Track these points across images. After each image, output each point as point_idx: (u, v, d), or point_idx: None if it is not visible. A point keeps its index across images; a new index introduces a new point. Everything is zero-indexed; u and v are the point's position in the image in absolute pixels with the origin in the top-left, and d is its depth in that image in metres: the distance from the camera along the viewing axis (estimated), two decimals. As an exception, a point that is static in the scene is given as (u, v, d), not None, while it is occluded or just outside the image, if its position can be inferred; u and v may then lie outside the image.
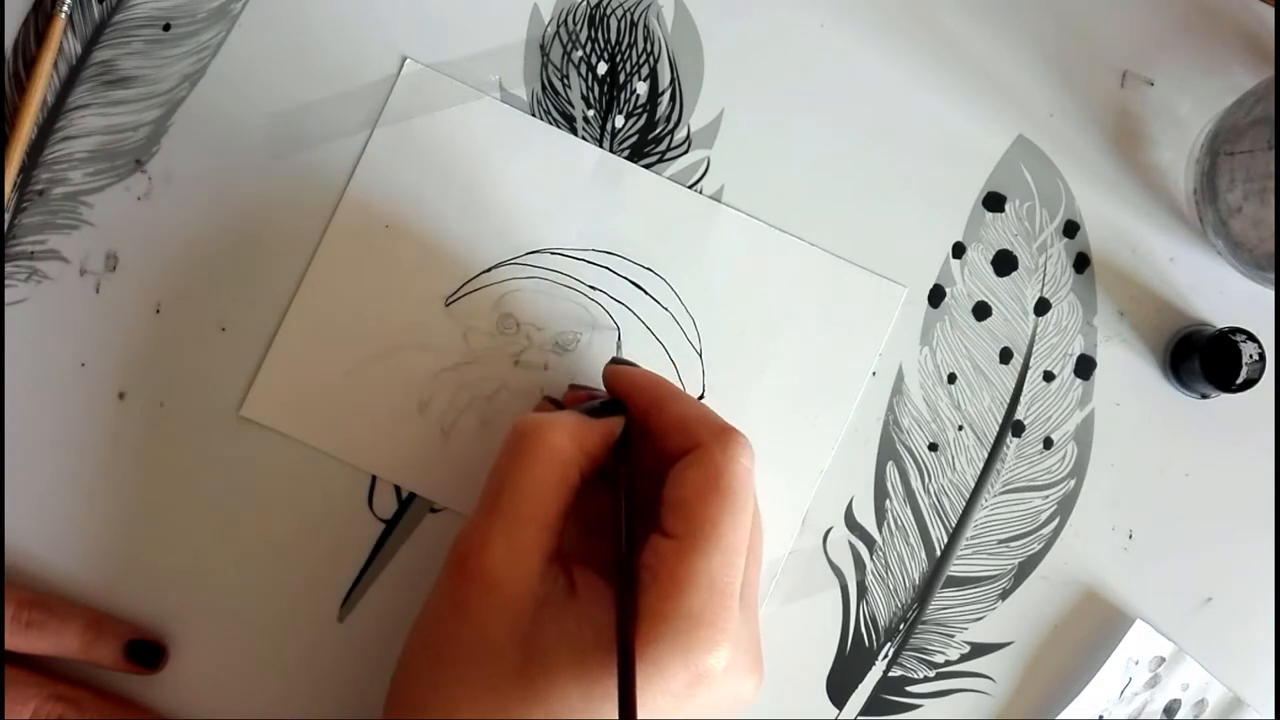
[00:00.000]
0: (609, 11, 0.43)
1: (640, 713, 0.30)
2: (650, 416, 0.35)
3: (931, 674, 0.42)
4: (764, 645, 0.41)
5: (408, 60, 0.42)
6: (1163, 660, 0.42)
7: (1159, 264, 0.43)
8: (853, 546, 0.42)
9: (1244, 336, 0.41)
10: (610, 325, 0.42)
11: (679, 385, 0.40)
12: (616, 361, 0.39)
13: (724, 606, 0.32)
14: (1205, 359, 0.41)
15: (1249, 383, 0.41)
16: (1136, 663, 0.42)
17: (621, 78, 0.43)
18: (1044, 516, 0.42)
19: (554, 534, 0.33)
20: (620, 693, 0.29)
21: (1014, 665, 0.42)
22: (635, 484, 0.35)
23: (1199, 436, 0.43)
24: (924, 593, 0.42)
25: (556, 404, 0.40)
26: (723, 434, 0.34)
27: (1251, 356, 0.41)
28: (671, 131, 0.42)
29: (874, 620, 0.42)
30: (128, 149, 0.42)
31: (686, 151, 0.42)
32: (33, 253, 0.41)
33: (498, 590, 0.32)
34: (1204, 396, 0.42)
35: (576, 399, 0.39)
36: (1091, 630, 0.42)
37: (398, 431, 0.41)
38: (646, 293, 0.42)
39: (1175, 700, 0.42)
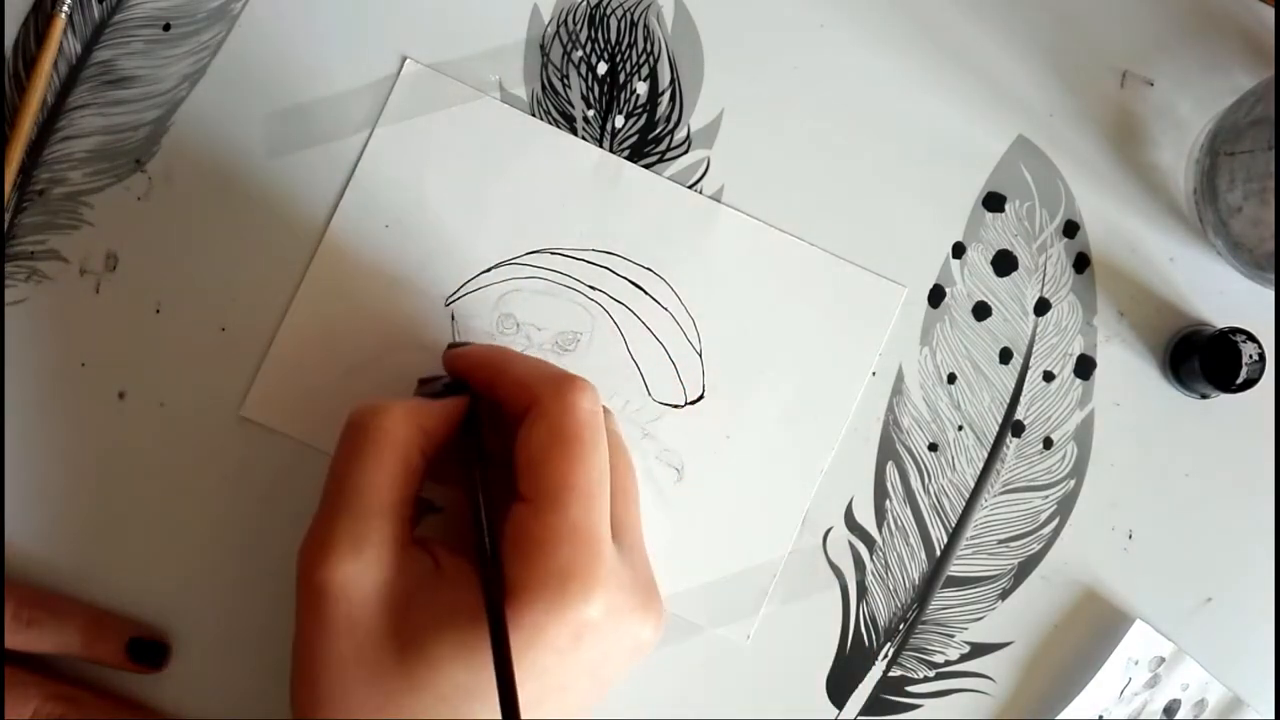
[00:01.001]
0: (609, 11, 0.43)
1: (527, 674, 0.30)
2: (494, 388, 0.35)
3: (931, 674, 0.42)
4: (763, 644, 0.41)
5: (408, 60, 0.42)
6: (1162, 660, 0.42)
7: (1159, 264, 0.43)
8: (853, 546, 0.42)
9: (1244, 336, 0.41)
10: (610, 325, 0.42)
11: (515, 350, 0.39)
12: (453, 346, 0.38)
13: (592, 554, 0.31)
14: (1205, 359, 0.41)
15: (1249, 383, 0.41)
16: (1136, 663, 0.42)
17: (621, 78, 0.43)
18: (1044, 516, 0.42)
19: (402, 521, 0.33)
20: (497, 667, 0.29)
21: (1014, 665, 0.42)
22: (487, 458, 0.34)
23: (1199, 436, 0.43)
24: (924, 593, 0.42)
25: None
26: (556, 384, 0.33)
27: (1251, 356, 0.41)
28: (671, 131, 0.42)
29: (874, 620, 0.42)
30: (128, 149, 0.42)
31: (686, 151, 0.42)
32: (33, 253, 0.41)
33: (351, 594, 0.32)
34: (1204, 396, 0.42)
35: (424, 388, 0.38)
36: (1091, 630, 0.42)
37: (398, 431, 0.41)
38: (646, 293, 0.42)
39: (1175, 700, 0.42)
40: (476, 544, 0.32)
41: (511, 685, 0.29)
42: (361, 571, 0.32)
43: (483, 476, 0.34)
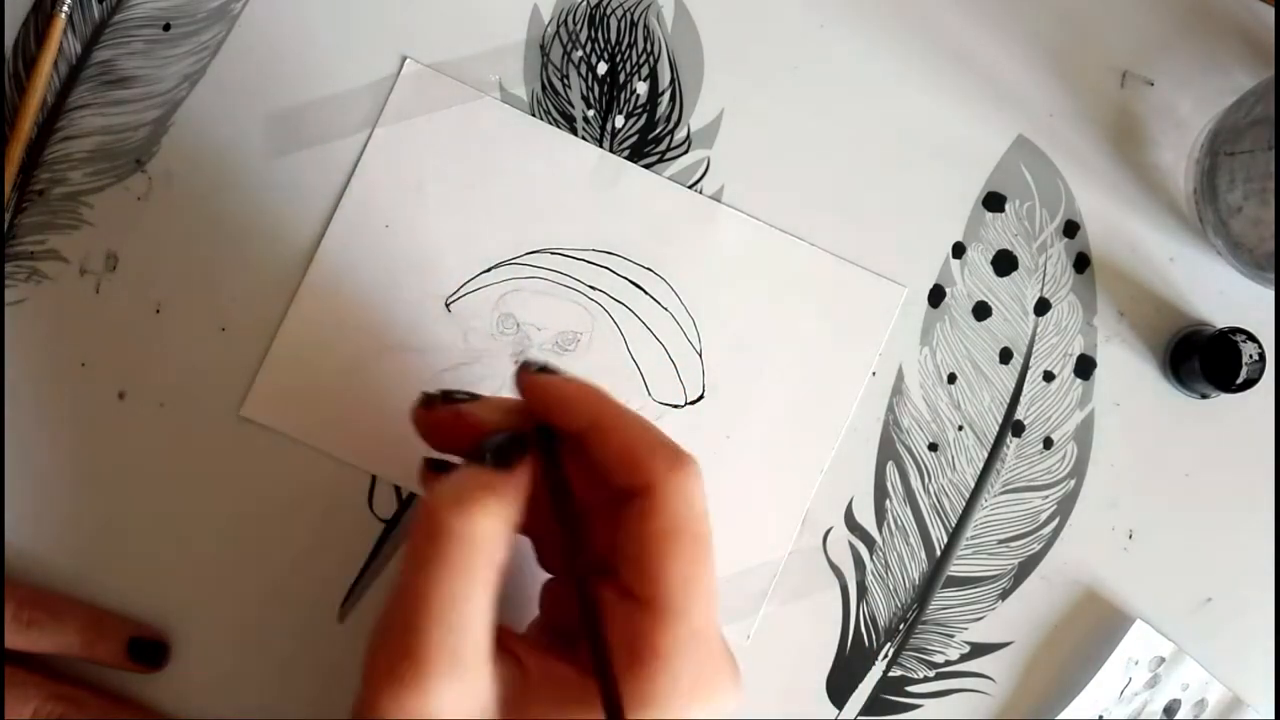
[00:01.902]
0: (609, 11, 0.43)
1: None
2: (591, 444, 0.30)
3: (931, 674, 0.42)
4: (764, 645, 0.41)
5: (408, 60, 0.42)
6: (1162, 660, 0.42)
7: (1159, 264, 0.43)
8: (853, 546, 0.42)
9: (1244, 336, 0.41)
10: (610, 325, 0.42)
11: (621, 401, 0.32)
12: (533, 367, 0.32)
13: (717, 663, 0.29)
14: (1205, 359, 0.41)
15: (1249, 383, 0.41)
16: (1136, 663, 0.42)
17: (621, 78, 0.43)
18: (1044, 516, 0.42)
19: (492, 632, 0.28)
20: None
21: (1014, 665, 0.42)
22: (584, 547, 0.29)
23: (1199, 436, 0.43)
24: (924, 593, 0.42)
25: (445, 400, 0.33)
26: (671, 464, 0.29)
27: (1251, 356, 0.41)
28: (671, 131, 0.42)
29: (874, 620, 0.42)
30: (128, 149, 0.42)
31: (686, 151, 0.42)
32: (33, 253, 0.41)
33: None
34: (1204, 396, 0.42)
35: (467, 429, 0.32)
36: (1091, 630, 0.42)
37: (398, 431, 0.41)
38: (646, 293, 0.42)
39: (1175, 700, 0.42)
40: (594, 660, 0.28)
41: None
42: (462, 701, 0.27)
43: (584, 571, 0.29)
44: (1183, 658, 0.42)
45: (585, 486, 0.31)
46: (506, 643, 0.30)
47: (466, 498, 0.28)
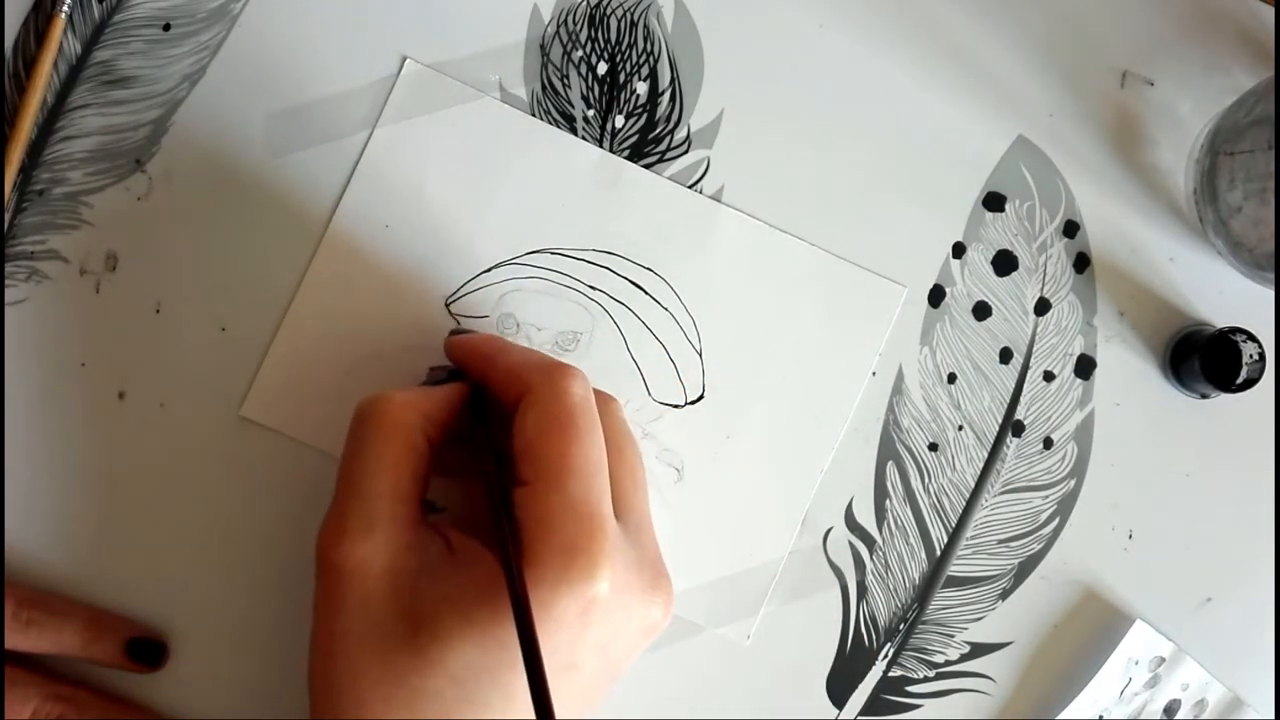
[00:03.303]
0: (609, 11, 0.43)
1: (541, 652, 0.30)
2: (487, 376, 0.36)
3: (931, 674, 0.42)
4: (763, 644, 0.41)
5: (408, 60, 0.42)
6: (1163, 660, 0.42)
7: (1159, 264, 0.43)
8: (853, 546, 0.42)
9: (1244, 336, 0.41)
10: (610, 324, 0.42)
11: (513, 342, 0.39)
12: (455, 333, 0.39)
13: (593, 530, 0.32)
14: (1205, 359, 0.41)
15: (1249, 383, 0.41)
16: (1136, 663, 0.42)
17: (621, 78, 0.43)
18: (1044, 516, 0.42)
19: (411, 503, 0.34)
20: (522, 639, 0.29)
21: (1014, 665, 0.42)
22: (496, 441, 0.35)
23: (1199, 436, 0.43)
24: (924, 593, 0.42)
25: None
26: (547, 371, 0.34)
27: (1251, 356, 0.41)
28: (671, 131, 0.42)
29: (874, 620, 0.42)
30: (128, 149, 0.42)
31: (686, 151, 0.42)
32: (33, 253, 0.41)
33: (365, 573, 0.32)
34: (1204, 396, 0.42)
35: (430, 375, 0.39)
36: (1091, 630, 0.42)
37: (398, 431, 0.41)
38: (646, 293, 0.42)
39: (1175, 700, 0.42)
40: (493, 518, 0.33)
41: (537, 657, 0.29)
42: (373, 552, 0.32)
43: (495, 454, 0.34)
44: (1183, 658, 0.42)
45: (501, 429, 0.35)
46: (440, 527, 0.34)
47: (385, 394, 0.35)
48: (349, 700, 0.32)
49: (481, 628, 0.31)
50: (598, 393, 0.36)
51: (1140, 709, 0.42)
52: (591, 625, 0.32)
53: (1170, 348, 0.43)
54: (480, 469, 0.35)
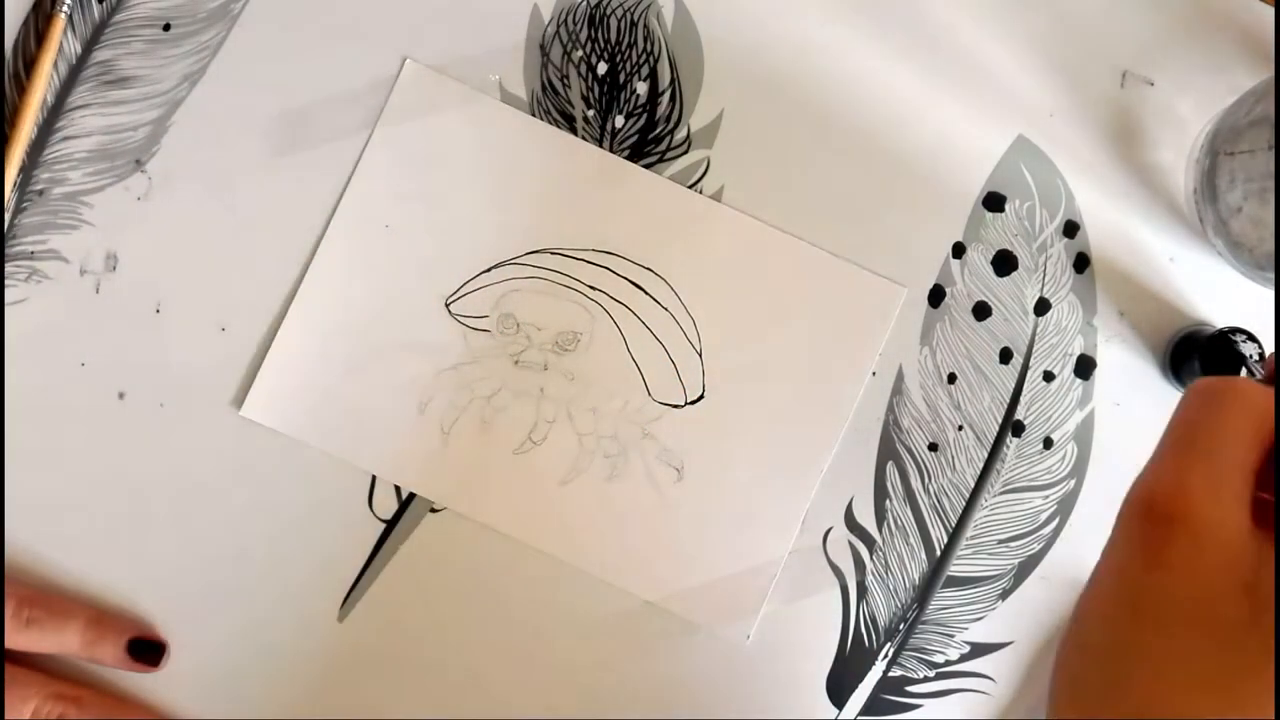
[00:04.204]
0: (609, 11, 0.43)
1: None
2: None
3: (931, 674, 0.42)
4: (764, 645, 0.41)
5: (408, 60, 0.42)
6: None
7: (1159, 264, 0.43)
8: (853, 546, 0.42)
9: (1244, 336, 0.41)
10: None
11: None
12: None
13: None
14: (1205, 359, 0.41)
15: None
16: None
17: (621, 78, 0.43)
18: (1044, 516, 0.42)
19: (1252, 488, 0.29)
20: None
21: (1014, 665, 0.42)
22: None
23: (1199, 436, 0.43)
24: (924, 593, 0.42)
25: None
26: None
27: (1252, 356, 0.41)
28: (671, 131, 0.42)
29: (874, 620, 0.42)
30: (128, 149, 0.42)
31: (686, 151, 0.42)
32: (33, 253, 0.41)
33: (1209, 535, 0.28)
34: None
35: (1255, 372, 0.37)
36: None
37: (398, 431, 0.41)
38: (646, 293, 0.42)
39: None
40: None
41: None
42: (1218, 520, 0.28)
43: None
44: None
45: None
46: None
47: (1236, 379, 0.30)
48: (1159, 678, 0.28)
49: None
50: None
51: None
52: None
53: (1170, 348, 0.43)
54: None
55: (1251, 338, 0.41)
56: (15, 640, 0.38)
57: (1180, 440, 0.30)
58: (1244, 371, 0.41)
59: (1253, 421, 0.30)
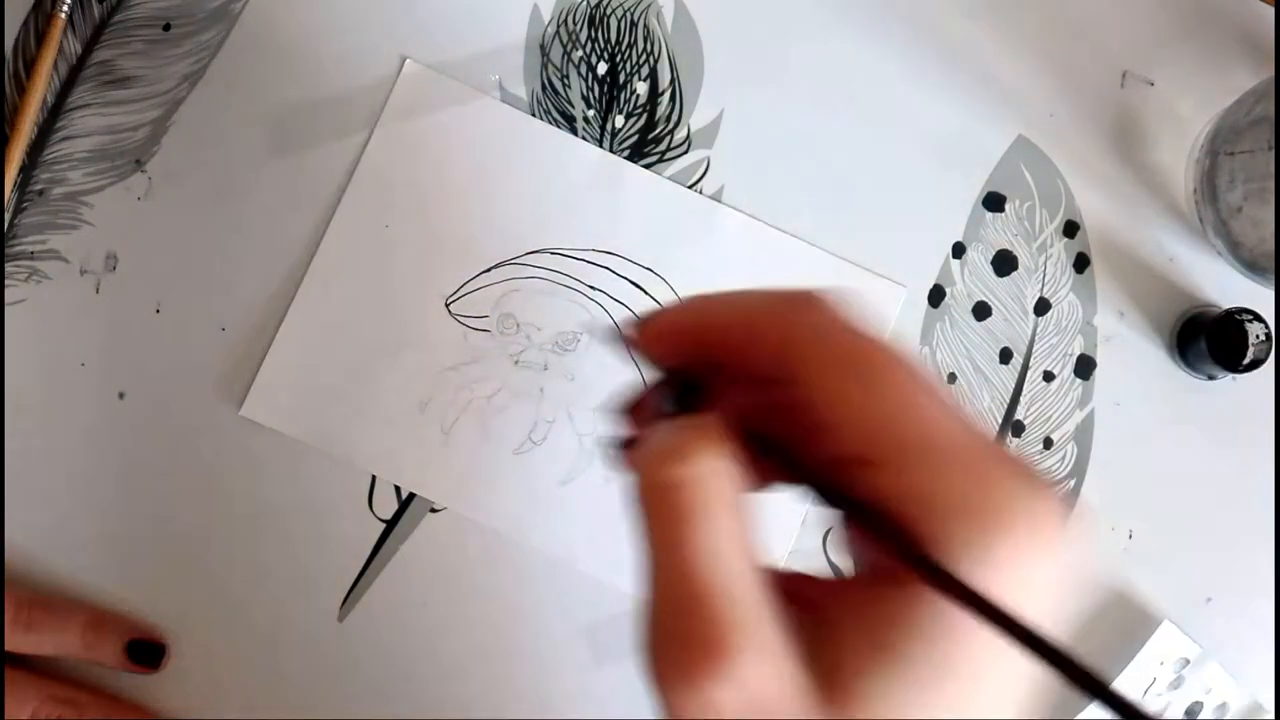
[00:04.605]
0: (609, 11, 0.43)
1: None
2: (721, 346, 0.26)
3: (932, 674, 0.42)
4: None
5: (408, 60, 0.42)
6: (1187, 662, 0.42)
7: (1159, 264, 0.43)
8: (853, 546, 0.42)
9: (1250, 317, 0.41)
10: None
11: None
12: (639, 323, 0.27)
13: (1018, 466, 0.23)
14: (1212, 339, 0.40)
15: (1255, 363, 0.41)
16: (1161, 663, 0.42)
17: (621, 78, 0.43)
18: (1044, 516, 0.42)
19: (764, 582, 0.24)
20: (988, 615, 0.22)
21: (1014, 665, 0.42)
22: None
23: (1199, 436, 0.43)
24: (924, 593, 0.42)
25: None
26: (787, 304, 0.24)
27: (1258, 336, 0.41)
28: (671, 131, 0.42)
29: (874, 620, 0.42)
30: (128, 149, 0.42)
31: (686, 151, 0.42)
32: (33, 253, 0.41)
33: (766, 698, 0.23)
34: (1210, 378, 0.42)
35: (661, 393, 0.28)
36: (1092, 630, 0.42)
37: (398, 431, 0.41)
38: (646, 293, 0.42)
39: (1197, 703, 0.42)
40: (852, 518, 0.24)
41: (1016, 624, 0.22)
42: (766, 665, 0.23)
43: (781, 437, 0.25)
44: (1206, 661, 0.42)
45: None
46: (783, 585, 0.25)
47: (673, 443, 0.24)
48: None
49: (920, 657, 0.23)
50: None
51: (1163, 710, 0.42)
52: (1053, 569, 0.24)
53: (1177, 328, 0.42)
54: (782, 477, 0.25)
55: (1258, 318, 0.41)
56: (15, 643, 0.38)
57: (666, 589, 0.24)
58: (1249, 353, 0.40)
59: (731, 515, 0.24)
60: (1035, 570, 0.23)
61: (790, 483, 0.26)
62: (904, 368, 0.23)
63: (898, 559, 0.23)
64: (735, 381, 0.26)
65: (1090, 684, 0.22)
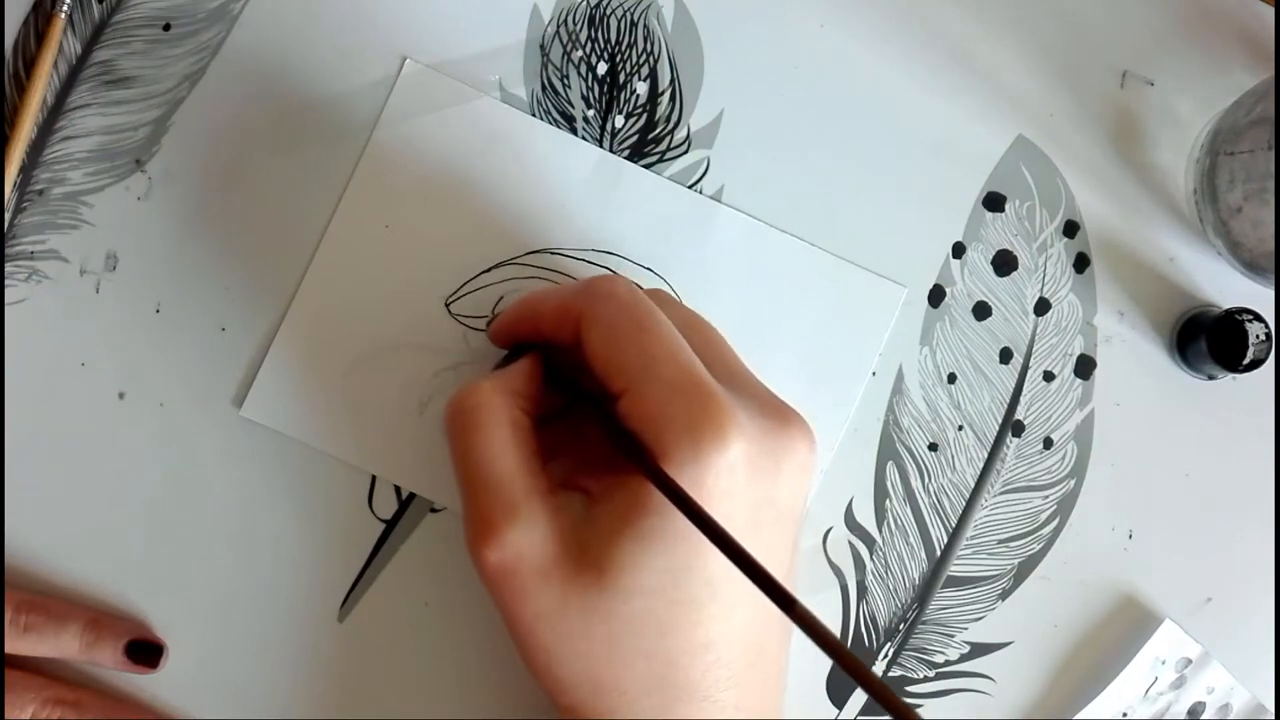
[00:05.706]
0: (609, 11, 0.43)
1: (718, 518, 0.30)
2: (540, 333, 0.36)
3: (931, 674, 0.42)
4: (764, 645, 0.41)
5: (408, 60, 0.42)
6: (1189, 661, 0.42)
7: (1159, 264, 0.43)
8: (852, 546, 0.42)
9: (1250, 316, 0.41)
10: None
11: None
12: (490, 323, 0.40)
13: (704, 399, 0.32)
14: (1212, 339, 0.40)
15: (1255, 363, 0.41)
16: (1163, 662, 0.42)
17: (621, 78, 0.43)
18: (1044, 516, 0.42)
19: (538, 474, 0.33)
20: (687, 512, 0.30)
21: (1014, 665, 0.42)
22: (585, 383, 0.35)
23: (1200, 436, 0.43)
24: (924, 593, 0.42)
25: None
26: (587, 291, 0.34)
27: (1258, 336, 0.41)
28: (671, 131, 0.43)
29: (874, 620, 0.42)
30: (128, 149, 0.42)
31: (686, 151, 0.42)
32: (33, 253, 0.41)
33: (528, 554, 0.32)
34: (1211, 378, 0.42)
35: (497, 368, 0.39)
36: (1092, 630, 0.42)
37: (398, 431, 0.41)
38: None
39: (1200, 703, 0.42)
40: (613, 442, 0.33)
41: (707, 520, 0.29)
42: (527, 534, 0.32)
43: (584, 383, 0.35)
44: (1209, 661, 0.42)
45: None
46: (574, 481, 0.34)
47: (468, 387, 0.34)
48: (580, 668, 0.33)
49: (652, 535, 0.31)
50: (645, 289, 0.36)
51: (1165, 709, 0.42)
52: (748, 485, 0.32)
53: (1177, 328, 0.42)
54: (582, 414, 0.35)
55: (1258, 318, 0.41)
56: (14, 645, 0.38)
57: (465, 482, 0.33)
58: (1249, 353, 0.40)
59: (502, 423, 0.33)
60: (737, 474, 0.32)
61: (581, 407, 0.36)
62: (639, 324, 0.33)
63: (632, 462, 0.32)
64: (558, 350, 0.36)
65: (765, 583, 0.28)
